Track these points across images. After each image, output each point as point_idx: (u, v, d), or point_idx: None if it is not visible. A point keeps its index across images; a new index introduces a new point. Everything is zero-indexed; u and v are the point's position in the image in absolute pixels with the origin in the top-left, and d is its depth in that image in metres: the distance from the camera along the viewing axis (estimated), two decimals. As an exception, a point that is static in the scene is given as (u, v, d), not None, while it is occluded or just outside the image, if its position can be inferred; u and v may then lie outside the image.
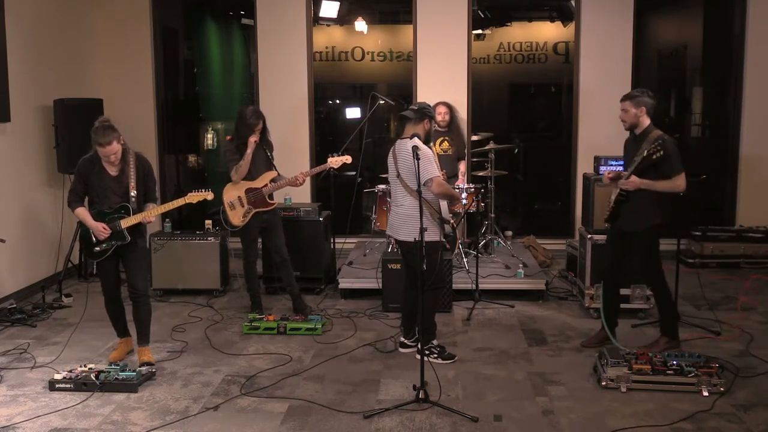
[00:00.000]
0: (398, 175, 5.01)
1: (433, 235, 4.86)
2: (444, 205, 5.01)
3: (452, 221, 5.07)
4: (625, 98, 5.03)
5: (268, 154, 6.04)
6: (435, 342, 5.16)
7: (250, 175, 5.95)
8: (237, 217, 5.96)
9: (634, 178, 4.89)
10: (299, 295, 6.17)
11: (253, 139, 5.83)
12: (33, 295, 6.83)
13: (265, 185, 5.95)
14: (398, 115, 5.39)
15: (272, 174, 6.02)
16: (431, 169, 4.83)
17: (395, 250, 6.80)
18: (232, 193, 5.96)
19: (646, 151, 4.78)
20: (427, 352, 4.96)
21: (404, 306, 5.34)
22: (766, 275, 7.37)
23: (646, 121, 5.00)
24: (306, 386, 4.67)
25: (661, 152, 4.74)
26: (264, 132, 5.98)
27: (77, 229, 6.41)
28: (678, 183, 4.86)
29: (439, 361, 5.02)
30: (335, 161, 5.95)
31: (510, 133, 9.11)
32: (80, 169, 4.90)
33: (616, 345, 5.04)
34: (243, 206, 5.94)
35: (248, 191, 5.94)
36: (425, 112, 5.06)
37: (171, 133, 8.99)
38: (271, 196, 6.00)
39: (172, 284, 6.83)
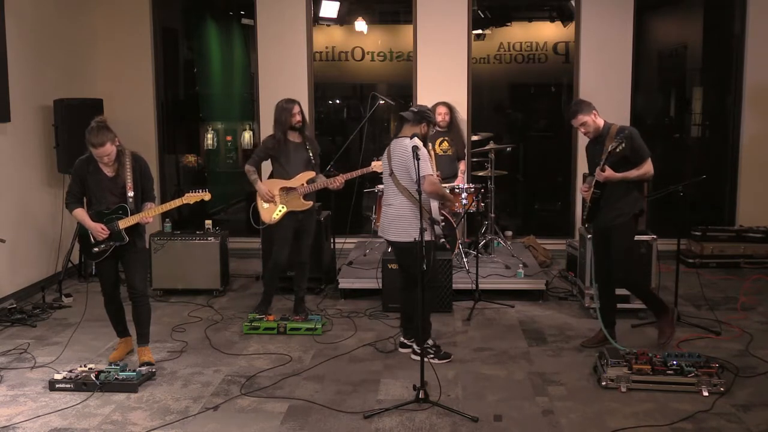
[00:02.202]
0: (391, 174, 5.00)
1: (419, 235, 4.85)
2: (435, 205, 4.99)
3: (443, 222, 5.01)
4: (573, 115, 5.06)
5: (311, 154, 5.90)
6: (430, 342, 5.15)
7: (287, 174, 5.85)
8: (269, 213, 5.86)
9: (608, 170, 4.93)
10: (303, 298, 6.14)
11: (272, 192, 5.78)
12: (33, 295, 6.83)
13: (301, 185, 5.85)
14: (397, 114, 5.37)
15: (309, 174, 5.88)
16: (425, 167, 4.80)
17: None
18: (270, 189, 5.86)
19: (610, 147, 4.84)
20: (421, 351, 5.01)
21: (402, 306, 5.34)
22: (766, 275, 7.36)
23: (601, 122, 5.09)
24: (306, 386, 4.67)
25: (623, 144, 4.81)
26: (303, 128, 5.88)
27: (77, 229, 6.41)
28: (646, 169, 4.97)
29: (435, 360, 5.02)
30: (378, 166, 5.69)
31: (510, 133, 9.11)
32: (76, 170, 4.90)
33: (614, 345, 5.04)
34: (276, 204, 5.87)
35: (282, 189, 5.87)
36: (424, 116, 5.03)
37: (171, 133, 8.99)
38: (306, 197, 5.88)
39: (172, 284, 6.82)
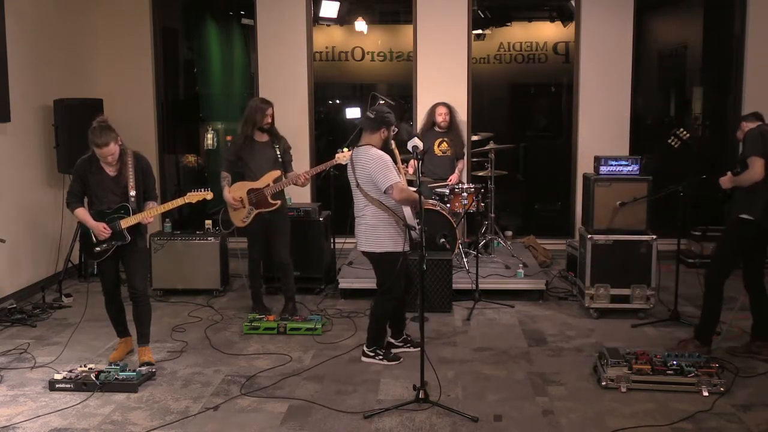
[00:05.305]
0: (357, 185, 4.88)
1: (393, 245, 4.80)
2: (407, 211, 4.83)
3: (418, 228, 4.71)
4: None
5: (278, 152, 5.91)
6: (381, 352, 5.12)
7: (253, 175, 5.90)
8: (238, 218, 5.95)
9: (728, 175, 4.95)
10: (291, 298, 6.11)
11: (237, 198, 5.87)
12: (33, 295, 6.83)
13: (267, 185, 5.90)
14: (359, 122, 5.29)
15: (275, 174, 5.92)
16: (391, 176, 4.70)
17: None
18: (236, 195, 5.92)
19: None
20: (372, 354, 5.08)
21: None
22: (766, 275, 7.34)
23: (747, 126, 5.05)
24: (306, 386, 4.67)
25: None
26: (272, 128, 5.93)
27: (77, 229, 6.42)
28: (750, 173, 4.78)
29: (385, 362, 5.04)
30: (343, 157, 5.72)
31: (510, 133, 9.10)
32: (78, 169, 4.90)
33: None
34: (245, 207, 5.92)
35: (250, 192, 5.91)
36: (383, 120, 4.84)
37: (171, 133, 8.99)
38: (274, 196, 5.92)
39: (172, 284, 6.83)
